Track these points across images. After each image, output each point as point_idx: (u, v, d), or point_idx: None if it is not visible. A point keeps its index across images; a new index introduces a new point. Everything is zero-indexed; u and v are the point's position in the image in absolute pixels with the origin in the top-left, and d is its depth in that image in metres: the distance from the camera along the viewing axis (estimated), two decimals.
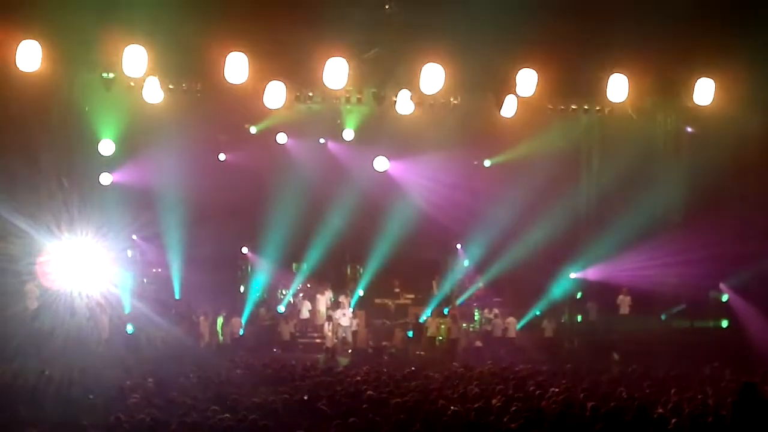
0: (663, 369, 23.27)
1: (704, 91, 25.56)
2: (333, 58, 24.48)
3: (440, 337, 29.84)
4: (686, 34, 24.30)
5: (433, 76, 24.72)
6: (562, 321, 31.10)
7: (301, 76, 26.97)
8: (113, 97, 26.71)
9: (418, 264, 32.59)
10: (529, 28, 23.54)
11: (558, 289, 30.68)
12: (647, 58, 25.15)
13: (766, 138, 27.75)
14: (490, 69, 25.77)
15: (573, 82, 26.54)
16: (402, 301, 32.03)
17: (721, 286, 30.08)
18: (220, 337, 29.25)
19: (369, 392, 16.33)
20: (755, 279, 28.72)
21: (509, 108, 26.46)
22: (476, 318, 31.15)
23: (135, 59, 23.80)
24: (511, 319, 30.07)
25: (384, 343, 29.58)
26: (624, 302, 30.20)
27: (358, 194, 30.31)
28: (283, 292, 31.63)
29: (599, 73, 25.68)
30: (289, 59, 26.13)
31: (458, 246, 32.63)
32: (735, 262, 28.53)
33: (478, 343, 30.28)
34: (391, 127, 29.66)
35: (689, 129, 29.35)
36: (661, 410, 14.88)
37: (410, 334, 29.97)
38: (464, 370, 22.20)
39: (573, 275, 31.04)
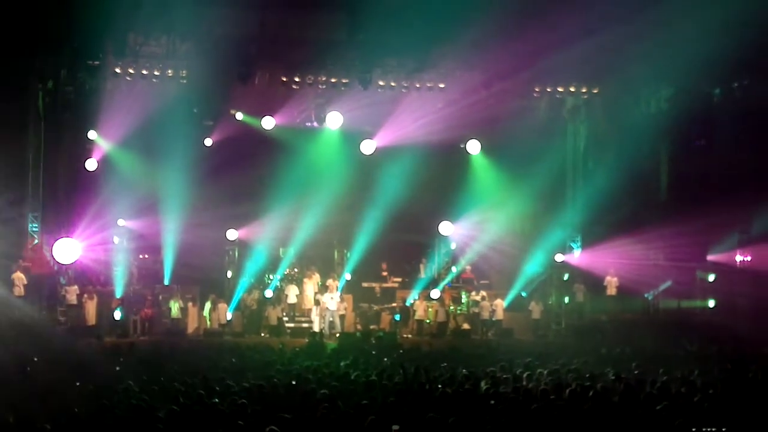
0: (650, 349, 23.38)
1: None
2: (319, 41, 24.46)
3: (428, 320, 29.92)
4: None
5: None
6: (550, 302, 31.19)
7: (287, 59, 26.93)
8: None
9: (406, 247, 32.57)
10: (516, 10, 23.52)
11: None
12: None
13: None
14: (478, 52, 25.78)
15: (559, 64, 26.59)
16: (389, 285, 31.97)
17: (709, 257, 30.12)
18: (208, 323, 29.22)
19: (357, 375, 16.36)
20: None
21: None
22: (464, 301, 31.16)
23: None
24: (498, 302, 30.11)
25: (372, 327, 29.58)
26: (611, 283, 30.30)
27: (345, 177, 30.29)
28: (270, 277, 31.52)
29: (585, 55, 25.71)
30: (276, 42, 26.12)
31: (445, 228, 32.48)
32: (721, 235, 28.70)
33: (466, 326, 30.35)
34: (377, 111, 29.70)
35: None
36: (648, 390, 14.94)
37: (398, 317, 29.97)
38: (452, 352, 22.24)
39: (560, 258, 31.16)
